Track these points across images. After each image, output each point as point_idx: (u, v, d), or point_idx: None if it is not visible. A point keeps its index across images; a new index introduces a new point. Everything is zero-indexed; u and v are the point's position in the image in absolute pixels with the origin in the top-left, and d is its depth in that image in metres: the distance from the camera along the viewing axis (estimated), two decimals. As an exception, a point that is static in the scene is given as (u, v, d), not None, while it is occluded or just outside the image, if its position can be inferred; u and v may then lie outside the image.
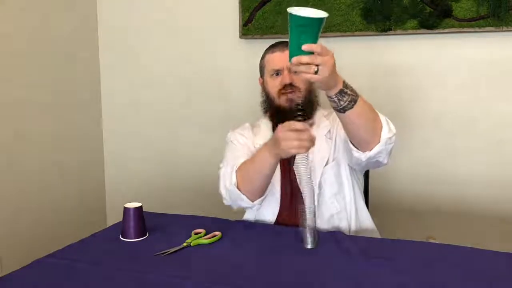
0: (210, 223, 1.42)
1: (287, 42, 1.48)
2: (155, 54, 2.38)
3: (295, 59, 1.09)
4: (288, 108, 1.44)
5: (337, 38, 1.99)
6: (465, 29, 1.83)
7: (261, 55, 1.57)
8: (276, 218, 1.49)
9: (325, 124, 1.52)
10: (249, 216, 1.55)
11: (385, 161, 1.37)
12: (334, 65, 1.13)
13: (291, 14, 1.05)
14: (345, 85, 1.19)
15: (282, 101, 1.47)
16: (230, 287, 1.04)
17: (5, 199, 2.02)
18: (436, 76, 1.94)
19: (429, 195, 2.00)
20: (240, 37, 2.16)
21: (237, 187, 1.38)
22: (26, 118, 2.10)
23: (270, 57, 1.51)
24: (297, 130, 1.20)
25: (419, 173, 2.00)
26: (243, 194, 1.38)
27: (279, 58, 1.47)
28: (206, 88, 2.31)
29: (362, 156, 1.33)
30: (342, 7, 1.96)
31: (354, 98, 1.20)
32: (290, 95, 1.45)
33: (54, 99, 2.24)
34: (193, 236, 1.31)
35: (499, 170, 1.90)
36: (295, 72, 1.12)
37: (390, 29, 1.91)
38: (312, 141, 1.21)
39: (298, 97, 1.42)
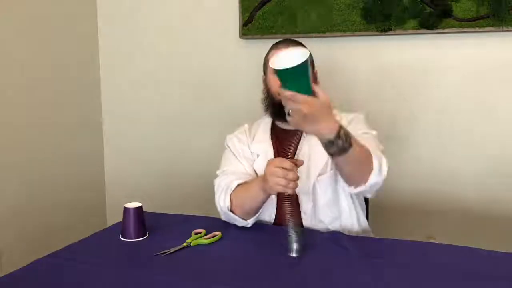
0: (210, 223, 1.42)
1: (292, 40, 1.50)
2: (155, 54, 2.38)
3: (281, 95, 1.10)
4: None
5: (337, 38, 1.99)
6: (465, 29, 1.83)
7: (266, 53, 1.54)
8: (274, 220, 1.48)
9: None
10: None
11: (369, 196, 1.39)
12: (313, 117, 1.09)
13: (277, 70, 1.07)
14: (338, 135, 1.14)
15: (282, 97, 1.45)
16: (230, 287, 1.05)
17: (5, 199, 2.02)
18: (436, 76, 1.94)
19: (429, 195, 2.00)
20: (240, 37, 2.16)
21: (231, 210, 1.40)
22: (25, 118, 2.10)
23: (274, 53, 1.48)
24: (284, 169, 1.21)
25: (419, 172, 2.00)
26: (237, 215, 1.40)
27: None
28: (206, 88, 2.30)
29: (347, 189, 1.35)
30: (342, 7, 1.96)
31: (344, 148, 1.16)
32: None
33: (54, 99, 2.24)
34: (193, 236, 1.31)
35: (499, 170, 1.90)
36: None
37: (390, 29, 1.91)
38: (296, 182, 1.22)
39: None
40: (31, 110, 2.13)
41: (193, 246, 1.28)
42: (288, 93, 1.07)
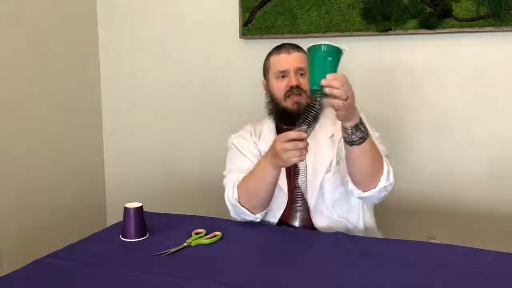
0: (210, 223, 1.42)
1: (292, 44, 1.50)
2: (155, 54, 2.38)
3: (327, 80, 1.13)
4: (295, 111, 1.42)
5: (337, 38, 1.99)
6: (465, 29, 1.83)
7: (265, 56, 1.55)
8: (279, 220, 1.48)
9: (329, 127, 1.50)
10: None
11: (375, 202, 1.41)
12: (351, 101, 1.17)
13: (316, 46, 1.16)
14: (361, 120, 1.23)
15: (288, 104, 1.45)
16: (230, 287, 1.04)
17: (5, 199, 2.02)
18: (436, 76, 1.94)
19: (429, 195, 2.00)
20: (240, 37, 2.16)
21: (239, 202, 1.40)
22: (26, 118, 2.10)
23: (276, 58, 1.49)
24: (293, 140, 1.21)
25: (420, 172, 2.00)
26: (245, 208, 1.40)
27: (285, 60, 1.46)
28: (206, 88, 2.30)
29: (356, 193, 1.36)
30: (342, 7, 1.96)
31: (364, 136, 1.24)
32: (296, 98, 1.44)
33: (54, 99, 2.24)
34: (194, 236, 1.31)
35: (499, 170, 1.90)
36: (329, 94, 1.14)
37: (390, 29, 1.91)
38: (307, 148, 1.23)
39: (308, 101, 1.40)
40: (30, 110, 2.13)
41: (193, 246, 1.27)
42: (342, 76, 1.15)
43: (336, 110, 1.18)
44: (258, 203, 1.40)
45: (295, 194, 1.43)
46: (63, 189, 2.31)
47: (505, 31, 1.79)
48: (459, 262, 1.15)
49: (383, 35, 1.94)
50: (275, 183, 1.36)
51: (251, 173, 1.40)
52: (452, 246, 1.25)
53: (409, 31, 1.89)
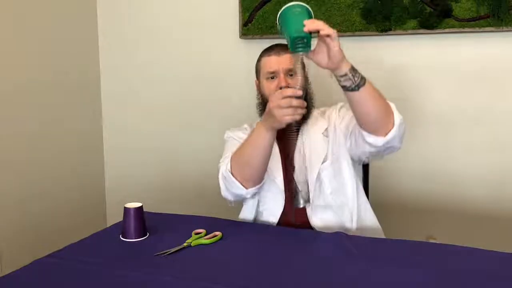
0: (210, 223, 1.42)
1: (282, 45, 1.50)
2: (155, 54, 2.38)
3: (307, 23, 1.13)
4: None
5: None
6: (465, 29, 1.83)
7: (257, 58, 1.57)
8: (279, 220, 1.49)
9: (322, 123, 1.53)
10: (248, 215, 1.55)
11: (400, 145, 1.35)
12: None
13: (285, 8, 1.21)
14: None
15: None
16: (230, 287, 1.05)
17: (5, 199, 2.02)
18: (436, 76, 1.94)
19: (429, 195, 2.00)
20: (240, 37, 2.16)
21: (231, 172, 1.39)
22: (26, 118, 2.10)
23: (266, 60, 1.51)
24: (288, 97, 1.21)
25: (419, 172, 2.00)
26: (236, 179, 1.38)
27: (275, 61, 1.48)
28: (206, 88, 2.30)
29: (379, 140, 1.30)
30: (342, 7, 1.96)
31: (363, 76, 1.23)
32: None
33: (54, 99, 2.24)
34: (194, 236, 1.31)
35: (499, 169, 1.90)
36: (316, 30, 1.14)
37: (390, 29, 1.91)
38: (303, 108, 1.24)
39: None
40: (31, 111, 2.13)
41: (193, 246, 1.28)
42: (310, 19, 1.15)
43: (331, 46, 1.16)
44: (251, 174, 1.38)
45: (291, 188, 1.43)
46: (63, 189, 2.31)
47: (505, 31, 1.79)
48: (459, 262, 1.15)
49: (383, 35, 1.94)
50: (268, 151, 1.35)
51: (245, 140, 1.39)
52: (452, 246, 1.25)
53: (409, 31, 1.89)
